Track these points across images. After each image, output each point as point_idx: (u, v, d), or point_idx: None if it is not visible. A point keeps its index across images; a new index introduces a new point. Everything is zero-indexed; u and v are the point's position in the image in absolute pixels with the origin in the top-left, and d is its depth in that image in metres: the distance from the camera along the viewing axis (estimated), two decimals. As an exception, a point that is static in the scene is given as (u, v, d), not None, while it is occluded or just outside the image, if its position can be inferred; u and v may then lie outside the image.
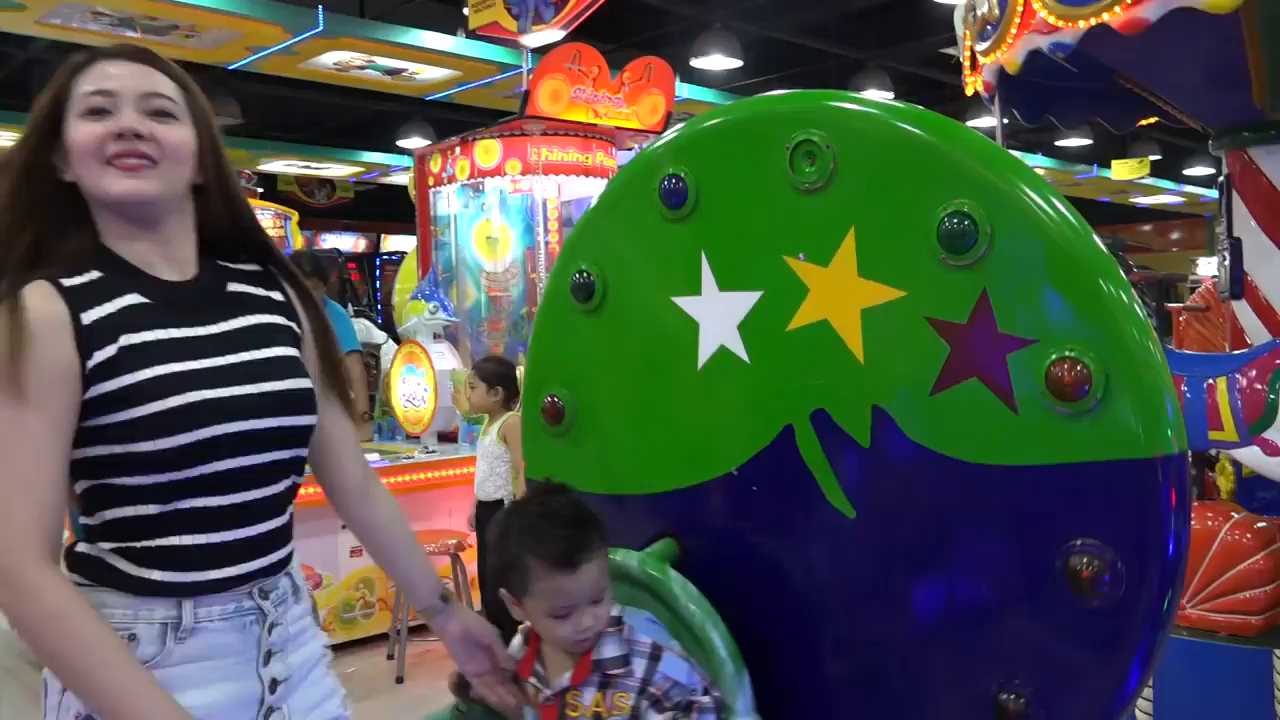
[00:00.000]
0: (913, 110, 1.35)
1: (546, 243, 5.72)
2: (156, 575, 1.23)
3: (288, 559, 1.36)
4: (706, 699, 1.36)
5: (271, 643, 1.31)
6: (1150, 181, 14.66)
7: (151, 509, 1.23)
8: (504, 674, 1.48)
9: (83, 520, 1.28)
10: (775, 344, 1.44)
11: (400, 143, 11.01)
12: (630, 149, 5.99)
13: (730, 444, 1.49)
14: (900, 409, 1.33)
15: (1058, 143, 13.53)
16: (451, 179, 5.83)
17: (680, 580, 1.46)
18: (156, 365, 1.23)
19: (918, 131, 1.31)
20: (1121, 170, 13.83)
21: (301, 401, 1.34)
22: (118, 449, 1.21)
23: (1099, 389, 1.17)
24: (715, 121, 1.52)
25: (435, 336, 5.30)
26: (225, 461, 1.25)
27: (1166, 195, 16.43)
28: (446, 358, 5.21)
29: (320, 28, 6.79)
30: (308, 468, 1.44)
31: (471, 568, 4.86)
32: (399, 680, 4.12)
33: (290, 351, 1.37)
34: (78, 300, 1.22)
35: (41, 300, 1.20)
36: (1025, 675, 1.25)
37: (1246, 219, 3.28)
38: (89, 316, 1.22)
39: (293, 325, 1.40)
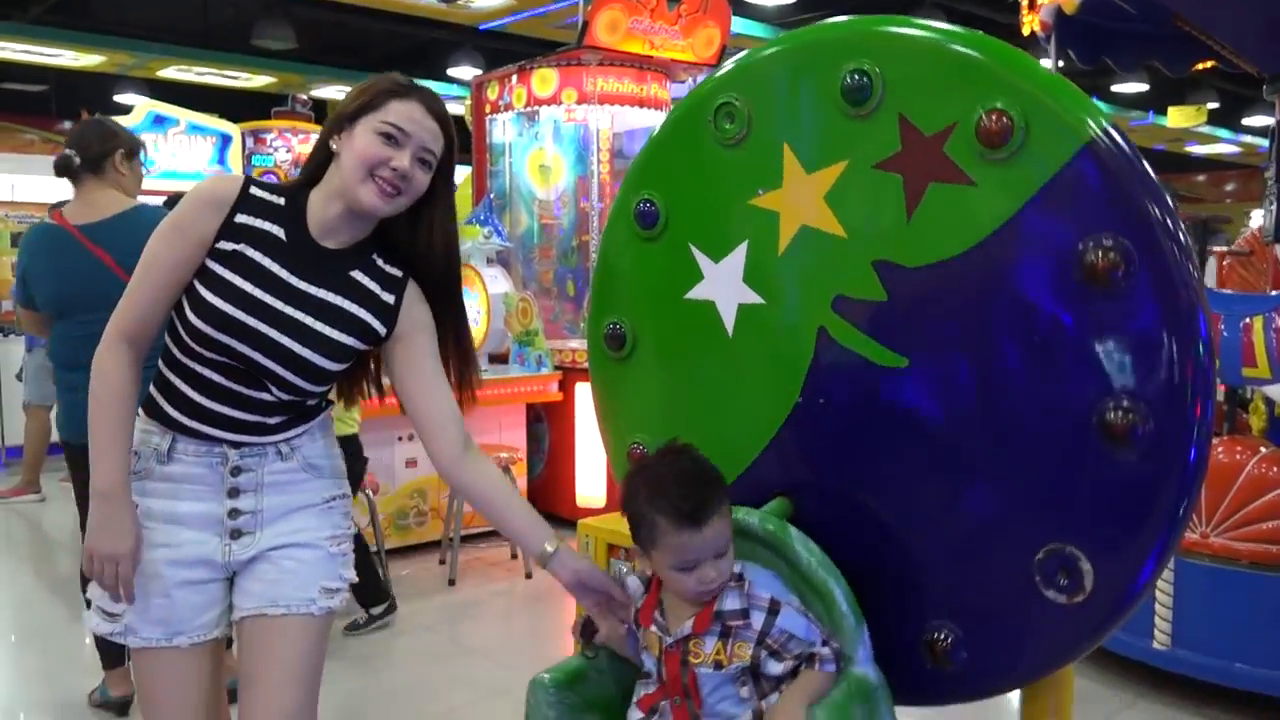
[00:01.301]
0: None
1: (598, 172, 5.82)
2: (161, 401, 1.64)
3: (276, 442, 1.66)
4: (826, 650, 1.43)
5: (236, 482, 1.64)
6: (1207, 130, 14.37)
7: (175, 351, 1.63)
8: (623, 610, 1.57)
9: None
10: (776, 272, 1.60)
11: (450, 71, 11.05)
12: (684, 81, 6.04)
13: (783, 380, 1.60)
14: (893, 249, 1.47)
15: (1114, 88, 13.28)
16: (508, 107, 5.92)
17: (801, 537, 1.53)
18: (241, 277, 1.58)
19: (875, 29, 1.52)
20: (1177, 117, 13.54)
21: (305, 367, 1.61)
22: (185, 305, 1.59)
23: (1020, 123, 1.34)
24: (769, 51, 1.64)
25: (488, 261, 5.43)
26: (226, 358, 1.59)
27: (1223, 144, 16.10)
28: (499, 281, 5.35)
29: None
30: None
31: (521, 481, 5.09)
32: (451, 583, 4.35)
33: (341, 337, 1.62)
34: (246, 205, 1.61)
35: (225, 187, 1.62)
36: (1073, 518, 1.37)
37: (1295, 164, 3.33)
38: (241, 218, 1.60)
39: (374, 322, 1.64)
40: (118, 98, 11.09)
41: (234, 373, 1.60)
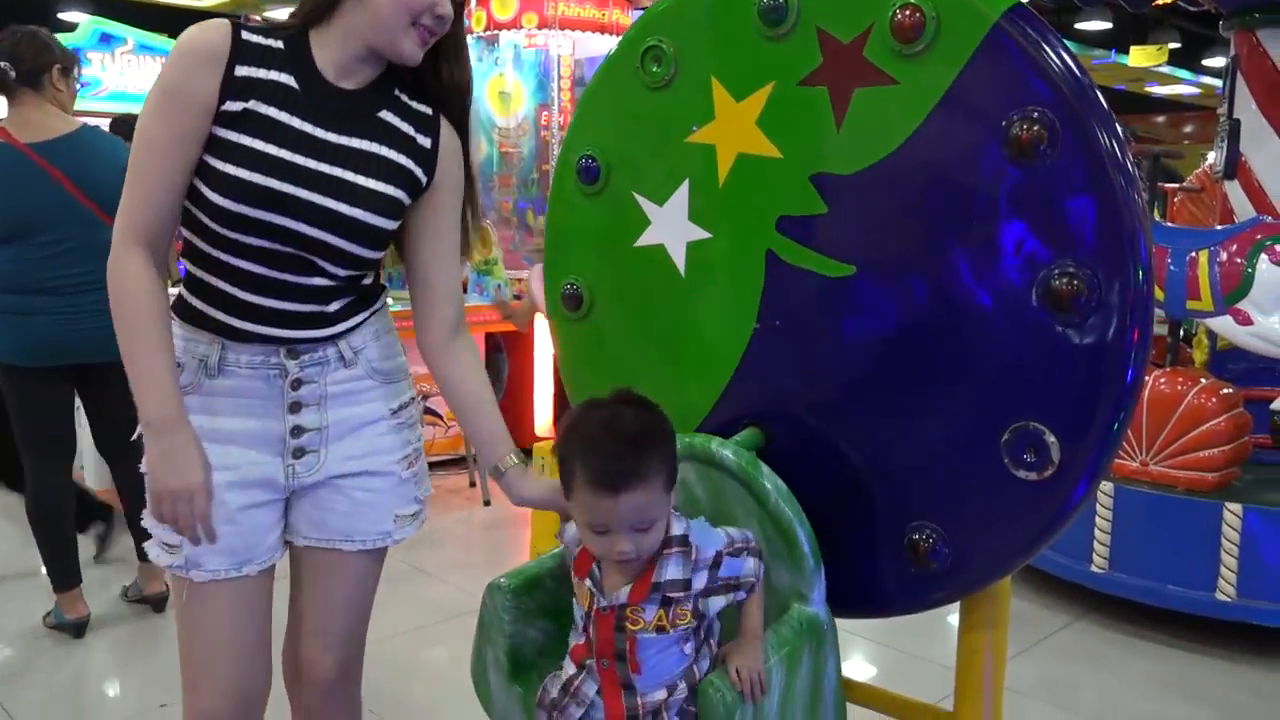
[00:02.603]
0: None
1: (559, 100, 5.75)
2: (197, 303, 1.44)
3: (333, 338, 1.48)
4: (755, 564, 1.40)
5: (298, 395, 1.47)
6: (1167, 70, 14.44)
7: (206, 247, 1.42)
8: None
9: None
10: (720, 204, 1.62)
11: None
12: (645, 6, 5.95)
13: (739, 309, 1.62)
14: (827, 160, 1.50)
15: (1078, 25, 13.29)
16: (468, 31, 5.79)
17: (769, 473, 1.53)
18: (260, 139, 1.37)
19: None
20: (1139, 56, 13.60)
21: (359, 230, 1.42)
22: (199, 185, 1.38)
23: (931, 14, 1.38)
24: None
25: (447, 189, 5.38)
26: (268, 242, 1.39)
27: (1183, 85, 16.20)
28: (458, 210, 5.31)
29: None
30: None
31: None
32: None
33: (390, 190, 1.44)
34: (244, 54, 1.38)
35: (212, 36, 1.37)
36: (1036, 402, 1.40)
37: (1248, 100, 3.37)
38: (242, 70, 1.37)
39: (417, 170, 1.48)
40: (61, 15, 10.70)
41: (279, 259, 1.40)
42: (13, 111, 2.85)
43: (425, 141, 1.49)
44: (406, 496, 1.59)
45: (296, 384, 1.47)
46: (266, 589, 1.54)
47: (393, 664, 2.93)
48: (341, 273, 1.46)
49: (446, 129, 1.53)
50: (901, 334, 1.50)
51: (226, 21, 1.40)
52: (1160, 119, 19.63)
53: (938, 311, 1.46)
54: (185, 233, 1.44)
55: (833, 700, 1.53)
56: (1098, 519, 3.16)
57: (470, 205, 1.59)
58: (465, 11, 1.50)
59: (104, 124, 3.62)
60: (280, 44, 1.41)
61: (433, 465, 5.26)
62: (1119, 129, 1.37)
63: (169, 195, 1.38)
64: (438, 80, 1.51)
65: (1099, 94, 1.37)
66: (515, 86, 5.87)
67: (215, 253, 1.41)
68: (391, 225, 1.46)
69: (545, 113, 5.81)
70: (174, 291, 1.48)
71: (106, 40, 7.73)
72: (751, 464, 1.55)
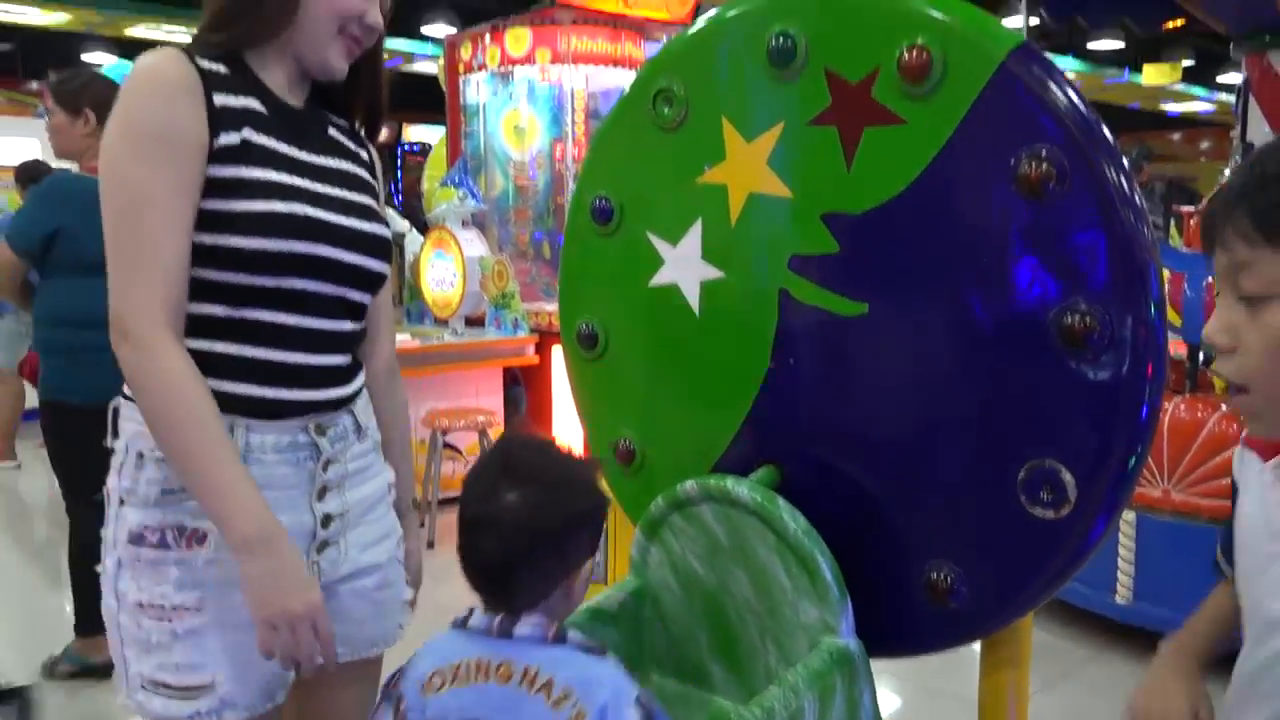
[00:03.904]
0: None
1: (573, 133, 5.80)
2: (211, 382, 1.20)
3: (350, 398, 1.36)
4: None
5: (327, 479, 1.31)
6: (1181, 88, 14.39)
7: (219, 311, 1.23)
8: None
9: None
10: (732, 243, 1.63)
11: (424, 29, 10.91)
12: (659, 39, 6.01)
13: (753, 348, 1.62)
14: (839, 199, 1.51)
15: (1090, 45, 13.27)
16: (482, 67, 5.87)
17: (788, 507, 1.52)
18: (269, 169, 1.23)
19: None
20: (1152, 75, 13.57)
21: (382, 247, 1.37)
22: (207, 238, 1.20)
23: (938, 54, 1.39)
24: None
25: (464, 223, 5.42)
26: (303, 280, 1.26)
27: (1198, 103, 16.14)
28: (475, 244, 5.34)
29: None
30: None
31: (497, 445, 5.10)
32: (430, 545, 4.39)
33: (371, 202, 1.38)
34: (210, 82, 1.21)
35: (175, 64, 1.19)
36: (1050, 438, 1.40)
37: (1261, 123, 3.37)
38: (220, 100, 1.21)
39: (375, 184, 1.43)
40: (86, 57, 10.90)
41: (312, 303, 1.28)
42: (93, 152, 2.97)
43: (365, 154, 1.43)
44: (403, 580, 1.49)
45: (327, 464, 1.32)
46: (288, 710, 1.38)
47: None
48: (365, 302, 1.38)
49: (368, 142, 1.46)
50: (914, 371, 1.50)
51: (176, 48, 1.23)
52: (1176, 136, 19.55)
53: (950, 349, 1.46)
54: (193, 307, 1.23)
55: (871, 730, 1.52)
56: (1120, 549, 3.13)
57: None
58: (382, 31, 1.39)
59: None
60: (225, 69, 1.25)
61: (453, 500, 5.23)
62: (1126, 164, 1.38)
63: (185, 259, 1.19)
64: (357, 98, 1.42)
65: (1105, 131, 1.37)
66: (530, 120, 5.92)
67: (235, 313, 1.24)
68: (389, 237, 1.41)
69: (560, 146, 5.86)
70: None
71: (128, 82, 7.85)
72: (769, 499, 1.54)
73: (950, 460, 1.49)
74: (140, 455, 1.25)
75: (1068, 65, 13.58)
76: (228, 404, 1.22)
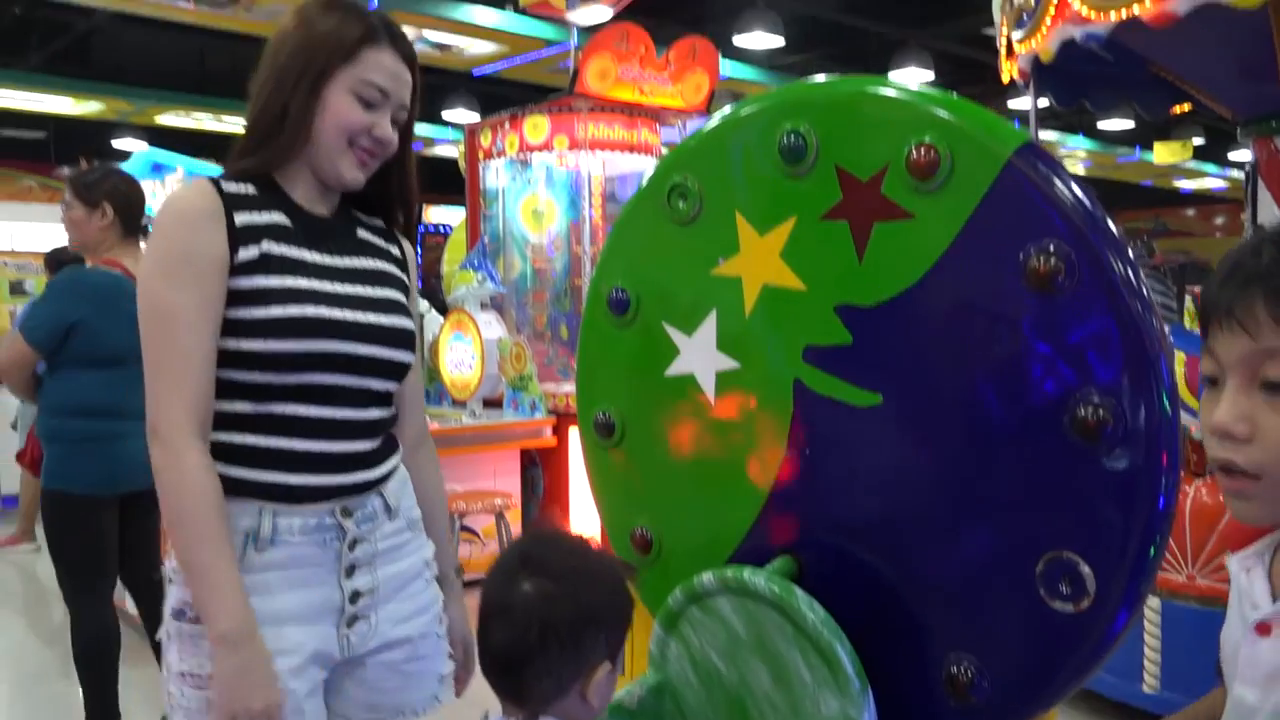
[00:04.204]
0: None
1: (590, 217, 5.89)
2: (236, 472, 1.32)
3: (378, 481, 1.43)
4: None
5: (354, 558, 1.39)
6: (1193, 165, 14.53)
7: (245, 407, 1.33)
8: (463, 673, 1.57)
9: None
10: (747, 334, 1.64)
11: (445, 114, 11.19)
12: (674, 125, 6.14)
13: (769, 437, 1.63)
14: (851, 292, 1.53)
15: (1100, 124, 13.46)
16: (501, 153, 6.00)
17: (806, 598, 1.51)
18: (287, 276, 1.34)
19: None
20: (1163, 153, 13.71)
21: (404, 338, 1.46)
22: (232, 343, 1.32)
23: (945, 152, 1.41)
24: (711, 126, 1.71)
25: (482, 306, 5.48)
26: (324, 375, 1.35)
27: (1210, 179, 16.27)
28: (493, 326, 5.40)
29: (374, 4, 6.98)
30: None
31: (516, 527, 5.10)
32: None
33: (399, 297, 1.48)
34: (232, 202, 1.35)
35: (201, 194, 1.34)
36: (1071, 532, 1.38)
37: (1271, 205, 3.39)
38: (240, 218, 1.34)
39: (404, 278, 1.53)
40: (116, 143, 11.22)
41: (338, 395, 1.37)
42: (123, 250, 3.04)
43: (396, 250, 1.53)
44: (443, 654, 1.55)
45: (353, 544, 1.40)
46: None
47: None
48: (390, 390, 1.46)
49: (403, 239, 1.57)
50: (929, 463, 1.50)
51: (206, 179, 1.38)
52: (1191, 211, 19.67)
53: (963, 440, 1.46)
54: (221, 404, 1.34)
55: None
56: (1146, 636, 3.08)
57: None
58: (409, 138, 1.50)
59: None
60: (253, 189, 1.39)
61: (470, 584, 5.22)
62: (1134, 256, 1.40)
63: (210, 367, 1.31)
64: (388, 203, 1.52)
65: (1111, 225, 1.40)
66: (548, 204, 6.03)
67: (261, 408, 1.34)
68: (414, 327, 1.51)
69: (577, 229, 5.95)
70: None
71: (158, 169, 8.07)
72: (786, 590, 1.53)
73: (967, 551, 1.48)
74: None
75: (1079, 144, 13.76)
76: (254, 490, 1.33)
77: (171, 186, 8.03)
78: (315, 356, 1.34)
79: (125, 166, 7.36)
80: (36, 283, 8.33)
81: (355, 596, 1.40)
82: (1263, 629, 0.92)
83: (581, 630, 1.15)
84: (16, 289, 8.84)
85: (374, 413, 1.43)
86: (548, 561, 1.18)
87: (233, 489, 1.32)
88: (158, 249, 1.34)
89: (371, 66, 1.38)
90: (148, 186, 7.69)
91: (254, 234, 1.34)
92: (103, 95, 10.53)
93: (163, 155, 8.16)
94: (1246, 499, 0.92)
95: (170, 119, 11.27)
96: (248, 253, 1.33)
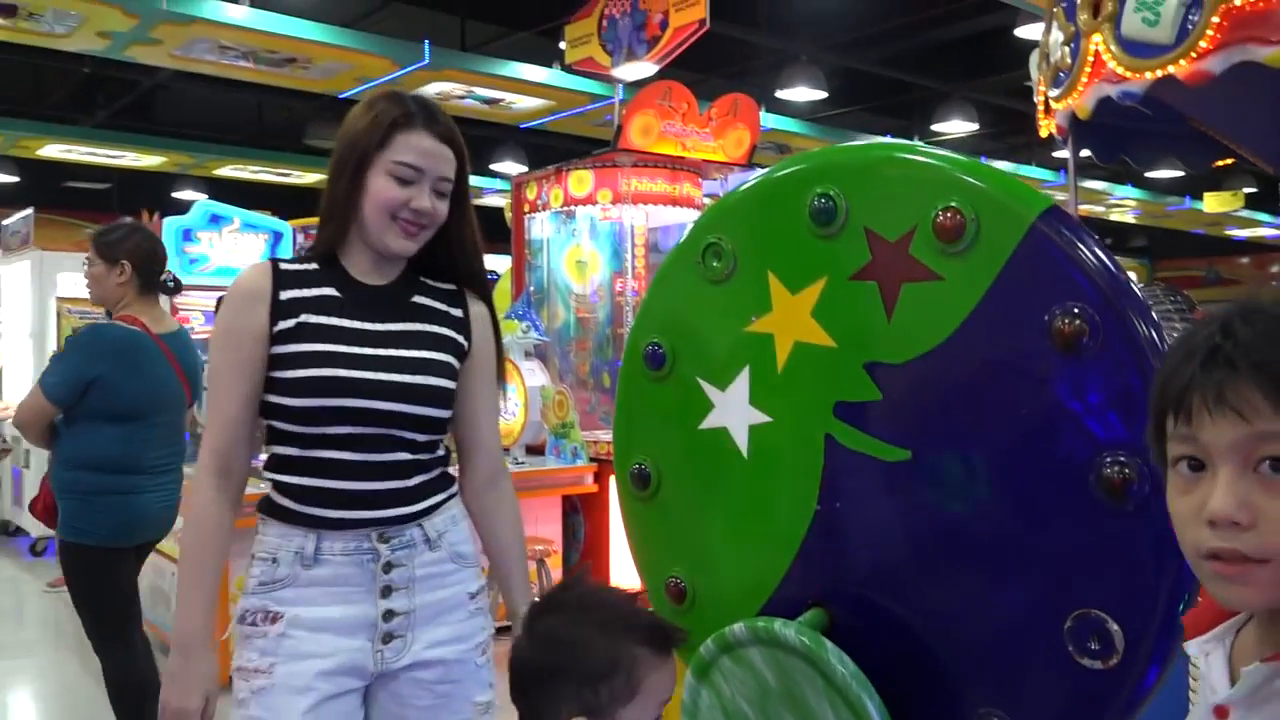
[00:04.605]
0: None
1: (633, 267, 5.98)
2: (290, 504, 1.55)
3: (418, 515, 1.60)
4: None
5: (389, 579, 1.56)
6: (1245, 214, 14.34)
7: (294, 451, 1.57)
8: None
9: (263, 457, 1.66)
10: (779, 390, 1.69)
11: (493, 167, 11.42)
12: (716, 179, 6.23)
13: (800, 491, 1.67)
14: (880, 350, 1.56)
15: (1148, 174, 13.35)
16: (545, 205, 6.12)
17: (836, 651, 1.54)
18: (317, 342, 1.54)
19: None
20: (1214, 203, 13.55)
21: (426, 394, 1.59)
22: (274, 399, 1.56)
23: (970, 216, 1.45)
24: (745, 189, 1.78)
25: (526, 354, 5.57)
26: (346, 427, 1.54)
27: (1263, 228, 16.03)
28: (537, 375, 5.48)
29: (426, 60, 7.22)
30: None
31: (557, 574, 5.13)
32: None
33: (443, 357, 1.62)
34: (285, 280, 1.58)
35: (255, 276, 1.59)
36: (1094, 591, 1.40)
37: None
38: (286, 294, 1.57)
39: (459, 338, 1.66)
40: (176, 194, 11.59)
41: (364, 442, 1.55)
42: (141, 306, 3.13)
43: (457, 312, 1.67)
44: (482, 683, 1.66)
45: (388, 567, 1.56)
46: None
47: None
48: (421, 438, 1.60)
49: (473, 299, 1.71)
50: (958, 518, 1.52)
51: (267, 261, 1.63)
52: (1245, 260, 19.36)
53: (992, 497, 1.49)
54: (273, 449, 1.59)
55: None
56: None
57: (498, 363, 1.77)
58: (465, 206, 1.66)
59: (209, 297, 3.94)
60: (315, 265, 1.61)
61: (503, 630, 5.24)
62: (1156, 317, 1.43)
63: (243, 419, 1.56)
64: (453, 266, 1.68)
65: (1134, 287, 1.43)
66: (591, 255, 6.14)
67: (306, 453, 1.56)
68: (452, 384, 1.63)
69: (620, 279, 6.04)
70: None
71: (215, 220, 8.32)
72: (817, 643, 1.55)
73: (995, 607, 1.50)
74: (253, 556, 1.58)
75: (1127, 193, 13.65)
76: (303, 520, 1.55)
77: (228, 237, 8.30)
78: (333, 410, 1.53)
79: (185, 217, 7.64)
80: (97, 329, 8.56)
81: (389, 615, 1.56)
82: (1220, 713, 0.92)
83: (541, 684, 1.27)
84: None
85: (403, 456, 1.59)
86: (539, 616, 1.33)
87: (287, 518, 1.56)
88: (217, 322, 1.62)
89: (402, 149, 1.54)
90: (206, 237, 7.95)
91: (295, 307, 1.56)
92: (164, 149, 10.91)
93: (219, 207, 8.43)
94: (1245, 584, 0.88)
95: (228, 171, 11.64)
96: (286, 324, 1.55)
